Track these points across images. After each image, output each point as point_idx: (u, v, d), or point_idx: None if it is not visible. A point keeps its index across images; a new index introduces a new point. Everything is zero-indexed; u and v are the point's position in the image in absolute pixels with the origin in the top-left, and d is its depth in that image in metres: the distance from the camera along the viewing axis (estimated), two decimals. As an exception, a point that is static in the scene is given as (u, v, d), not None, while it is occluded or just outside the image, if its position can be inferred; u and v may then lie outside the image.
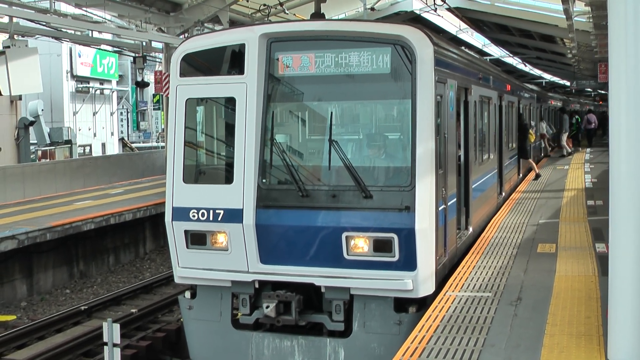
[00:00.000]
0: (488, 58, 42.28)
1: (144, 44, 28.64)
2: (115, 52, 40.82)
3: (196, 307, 10.37)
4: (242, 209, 9.64)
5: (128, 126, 59.38)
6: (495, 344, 7.20)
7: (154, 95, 57.49)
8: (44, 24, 24.84)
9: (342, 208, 9.43)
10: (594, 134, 41.76)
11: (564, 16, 24.96)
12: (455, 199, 11.21)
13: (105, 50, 43.09)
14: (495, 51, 50.45)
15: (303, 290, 9.69)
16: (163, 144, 44.01)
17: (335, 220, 9.43)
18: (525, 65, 58.86)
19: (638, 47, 5.91)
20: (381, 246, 9.24)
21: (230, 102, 10.02)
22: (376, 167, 9.91)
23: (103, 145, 50.45)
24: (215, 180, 10.33)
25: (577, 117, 39.97)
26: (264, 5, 27.94)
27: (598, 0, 19.55)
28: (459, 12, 35.21)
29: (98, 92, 50.46)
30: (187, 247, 10.07)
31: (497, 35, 43.92)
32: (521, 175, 22.89)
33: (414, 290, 9.18)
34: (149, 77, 46.26)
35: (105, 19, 26.82)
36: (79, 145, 43.03)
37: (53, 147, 38.27)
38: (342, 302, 9.55)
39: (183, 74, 10.21)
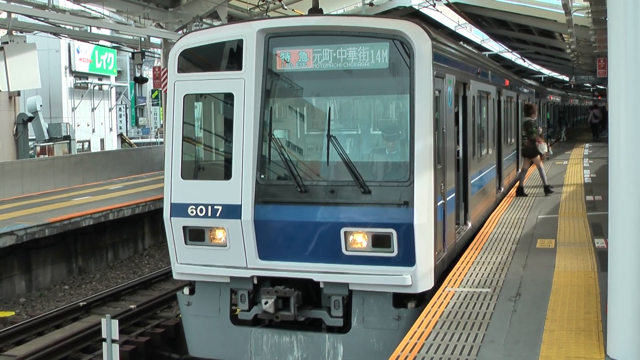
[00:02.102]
0: (487, 53, 42.28)
1: (143, 39, 28.59)
2: (113, 47, 40.85)
3: (195, 303, 10.36)
4: (241, 205, 9.63)
5: (127, 122, 59.38)
6: (494, 339, 7.19)
7: (153, 91, 57.59)
8: (43, 19, 24.78)
9: (341, 203, 9.42)
10: (598, 128, 43.84)
11: (563, 11, 24.98)
12: (454, 194, 11.20)
13: (103, 46, 43.07)
14: (494, 46, 50.47)
15: (302, 286, 9.69)
16: (161, 140, 44.06)
17: (333, 215, 9.42)
18: (524, 61, 58.92)
19: (637, 42, 5.90)
20: (380, 241, 9.23)
21: (228, 98, 10.00)
22: (375, 162, 9.89)
23: (102, 141, 50.43)
24: (214, 176, 10.31)
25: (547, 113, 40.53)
26: (263, 0, 27.90)
27: (597, -5, 19.54)
28: (458, 7, 35.19)
29: (97, 87, 50.41)
30: (186, 243, 10.06)
31: (495, 30, 43.91)
32: (520, 170, 22.86)
33: (412, 286, 9.17)
34: (148, 73, 46.19)
35: (103, 14, 26.77)
36: (78, 141, 43.04)
37: (51, 143, 38.26)
38: (341, 298, 9.55)
39: (181, 69, 10.19)
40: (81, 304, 15.47)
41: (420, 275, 9.18)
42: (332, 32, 9.71)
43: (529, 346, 6.96)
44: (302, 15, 13.86)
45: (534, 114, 17.98)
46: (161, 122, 54.76)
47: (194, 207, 9.89)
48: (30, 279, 17.61)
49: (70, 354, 12.84)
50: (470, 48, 17.95)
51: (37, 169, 24.21)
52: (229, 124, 9.99)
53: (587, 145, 36.98)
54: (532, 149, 17.66)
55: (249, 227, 9.59)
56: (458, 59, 11.79)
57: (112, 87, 53.56)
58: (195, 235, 10.01)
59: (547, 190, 17.79)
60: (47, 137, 38.26)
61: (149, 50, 31.81)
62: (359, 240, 9.33)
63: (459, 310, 8.23)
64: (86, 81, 48.71)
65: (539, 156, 17.82)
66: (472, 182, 12.82)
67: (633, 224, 5.99)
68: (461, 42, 16.05)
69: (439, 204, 9.81)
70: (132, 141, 54.56)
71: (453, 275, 9.84)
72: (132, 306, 15.11)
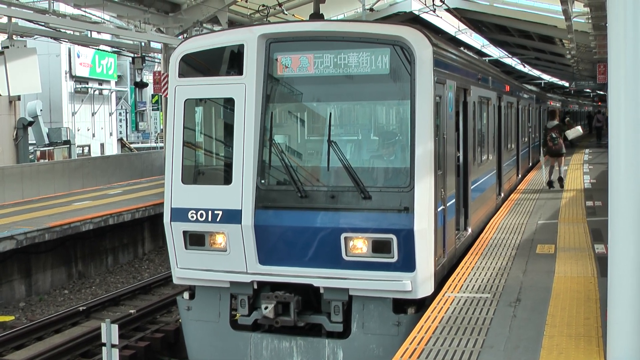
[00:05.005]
0: (487, 59, 42.32)
1: (143, 44, 28.63)
2: (114, 52, 40.82)
3: (195, 308, 10.36)
4: (241, 210, 9.63)
5: (127, 126, 59.35)
6: (494, 345, 7.20)
7: (153, 96, 57.56)
8: (43, 24, 24.81)
9: (341, 209, 9.42)
10: (601, 131, 45.88)
11: (563, 17, 25.00)
12: (454, 200, 11.20)
13: (104, 50, 43.09)
14: (494, 52, 50.48)
15: (302, 291, 9.69)
16: (162, 145, 44.05)
17: (334, 221, 9.42)
18: (524, 66, 58.94)
19: (637, 47, 5.91)
20: (380, 247, 9.23)
21: (229, 103, 10.01)
22: (375, 167, 9.90)
23: (102, 145, 50.42)
24: (214, 180, 10.32)
25: None
26: (263, 5, 27.95)
27: (597, 1, 19.57)
28: (458, 13, 35.20)
29: (97, 92, 50.43)
30: (186, 247, 10.06)
31: (496, 35, 43.96)
32: (520, 175, 22.90)
33: (412, 291, 9.17)
34: (148, 78, 46.28)
35: (104, 19, 26.80)
36: (78, 146, 43.02)
37: (52, 148, 38.25)
38: (340, 303, 9.55)
39: (182, 74, 10.20)
40: (81, 308, 15.47)
41: (420, 280, 9.18)
42: (333, 38, 9.71)
43: (528, 352, 6.96)
44: (302, 21, 13.90)
45: (558, 118, 20.75)
46: (161, 127, 54.74)
47: (194, 211, 9.89)
48: (30, 284, 17.61)
49: (70, 359, 12.83)
50: (470, 54, 17.97)
51: (37, 174, 24.20)
52: (229, 129, 10.00)
53: (587, 150, 37.03)
54: (560, 148, 19.91)
55: (249, 232, 9.59)
56: (459, 64, 11.80)
57: (112, 92, 53.57)
58: (195, 240, 10.01)
59: (561, 181, 20.26)
60: (47, 142, 38.26)
61: (150, 55, 31.85)
62: (359, 245, 9.33)
63: (458, 315, 8.23)
64: (86, 86, 48.71)
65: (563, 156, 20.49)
66: (472, 187, 12.83)
67: (633, 230, 5.99)
68: (461, 48, 16.06)
69: (439, 209, 9.81)
70: (132, 146, 54.54)
71: (453, 281, 9.84)
72: (132, 311, 15.10)
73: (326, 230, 9.43)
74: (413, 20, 34.67)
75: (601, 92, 59.34)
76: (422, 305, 9.33)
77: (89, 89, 49.12)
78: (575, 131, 20.43)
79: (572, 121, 32.37)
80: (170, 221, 10.06)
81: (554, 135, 19.78)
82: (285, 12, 27.75)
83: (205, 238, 9.96)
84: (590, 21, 23.60)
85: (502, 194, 17.69)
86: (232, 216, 9.67)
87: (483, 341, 7.31)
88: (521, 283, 9.63)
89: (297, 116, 10.63)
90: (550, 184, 20.17)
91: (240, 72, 9.82)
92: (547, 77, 70.42)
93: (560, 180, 20.25)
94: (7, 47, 21.20)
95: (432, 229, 9.32)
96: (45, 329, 14.30)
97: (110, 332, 9.66)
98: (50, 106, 44.81)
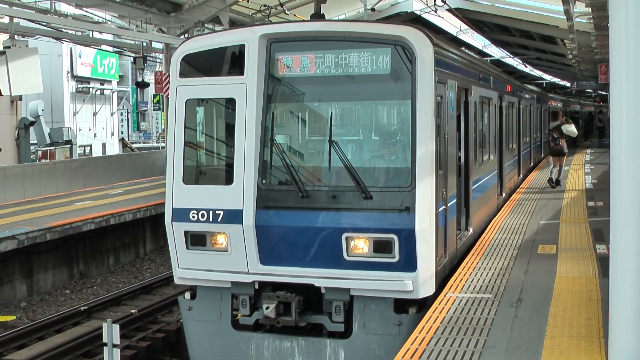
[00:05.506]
0: (488, 59, 42.31)
1: (144, 44, 28.63)
2: (115, 52, 40.82)
3: (196, 308, 10.36)
4: (242, 210, 9.63)
5: (128, 126, 59.40)
6: (495, 345, 7.19)
7: (154, 96, 57.60)
8: (45, 24, 24.82)
9: (342, 209, 9.42)
10: (603, 131, 46.97)
11: (565, 17, 24.97)
12: (455, 200, 11.20)
13: (105, 50, 43.10)
14: (496, 52, 50.46)
15: (303, 291, 9.68)
16: (163, 145, 44.08)
17: (335, 221, 9.42)
18: (526, 66, 58.87)
19: (638, 47, 5.90)
20: (381, 247, 9.23)
21: (230, 103, 10.01)
22: (376, 167, 9.90)
23: (103, 145, 50.43)
24: (215, 181, 10.32)
25: None
26: (264, 5, 27.94)
27: (599, 1, 19.57)
28: (460, 13, 35.18)
29: (98, 92, 50.44)
30: (187, 248, 10.06)
31: (497, 36, 43.93)
32: (521, 175, 22.89)
33: (414, 292, 9.17)
34: (150, 78, 46.28)
35: (105, 19, 26.81)
36: (79, 146, 43.04)
37: (53, 148, 38.27)
38: (342, 303, 9.54)
39: (183, 74, 10.20)
40: (82, 308, 15.48)
41: (421, 280, 9.17)
42: (334, 38, 9.71)
43: (530, 352, 6.96)
44: (304, 21, 13.89)
45: (560, 119, 21.13)
46: (163, 127, 54.78)
47: (195, 212, 9.89)
48: (32, 283, 17.62)
49: (71, 359, 12.84)
50: (472, 54, 17.97)
51: (38, 174, 24.21)
52: (230, 129, 10.00)
53: (588, 150, 37.03)
54: (562, 148, 20.53)
55: (250, 232, 9.59)
56: (460, 64, 11.79)
57: (113, 92, 53.57)
58: (196, 240, 10.01)
59: (557, 183, 20.39)
60: (48, 142, 38.28)
61: (151, 55, 31.86)
62: (360, 245, 9.33)
63: (460, 315, 8.22)
64: (88, 86, 48.72)
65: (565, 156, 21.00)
66: (473, 187, 12.82)
67: (634, 230, 5.98)
68: (463, 48, 16.06)
69: (440, 209, 9.81)
70: (133, 146, 54.55)
71: (454, 281, 9.83)
72: (133, 311, 15.10)
73: (327, 230, 9.43)
74: (414, 20, 34.66)
75: (603, 92, 59.34)
76: (423, 305, 9.32)
77: (91, 89, 49.13)
78: (568, 126, 20.98)
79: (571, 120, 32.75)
80: (172, 221, 10.06)
81: (555, 136, 20.54)
82: (287, 12, 27.76)
83: (206, 238, 9.96)
84: (591, 21, 23.60)
85: (504, 194, 17.68)
86: (234, 216, 9.68)
87: (484, 341, 7.30)
88: (522, 283, 9.62)
89: (298, 116, 10.63)
90: (551, 182, 20.57)
91: (241, 72, 9.82)
92: (548, 77, 70.38)
93: (557, 181, 20.55)
94: (9, 47, 21.20)
95: (433, 229, 9.31)
96: (47, 329, 14.30)
97: (111, 332, 9.66)
98: (52, 106, 44.83)
